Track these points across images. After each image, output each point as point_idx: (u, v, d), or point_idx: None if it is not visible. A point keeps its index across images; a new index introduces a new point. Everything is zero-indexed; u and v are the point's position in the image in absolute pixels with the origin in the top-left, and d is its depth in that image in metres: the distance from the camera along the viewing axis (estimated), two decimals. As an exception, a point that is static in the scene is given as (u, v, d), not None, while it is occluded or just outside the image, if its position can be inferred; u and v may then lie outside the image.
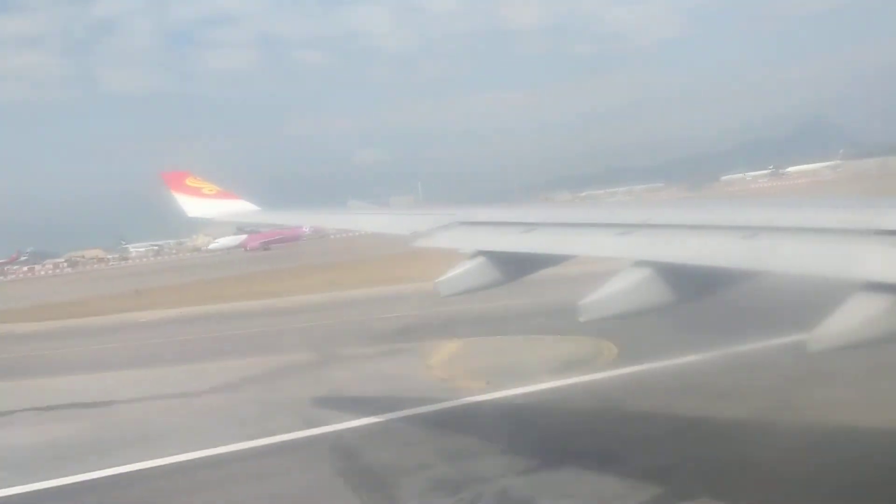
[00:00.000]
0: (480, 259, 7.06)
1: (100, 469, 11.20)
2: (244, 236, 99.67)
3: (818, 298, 4.49)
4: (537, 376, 13.84)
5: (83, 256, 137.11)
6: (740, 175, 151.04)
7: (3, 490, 10.64)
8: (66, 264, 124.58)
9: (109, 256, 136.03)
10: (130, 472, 11.03)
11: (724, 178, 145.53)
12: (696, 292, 5.76)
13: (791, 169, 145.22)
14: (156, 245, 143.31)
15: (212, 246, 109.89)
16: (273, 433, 12.05)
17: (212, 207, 11.40)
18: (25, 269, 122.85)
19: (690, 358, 13.34)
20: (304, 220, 12.49)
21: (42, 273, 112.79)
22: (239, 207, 11.49)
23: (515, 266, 7.12)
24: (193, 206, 11.37)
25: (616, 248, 6.12)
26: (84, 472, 11.17)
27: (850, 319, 4.34)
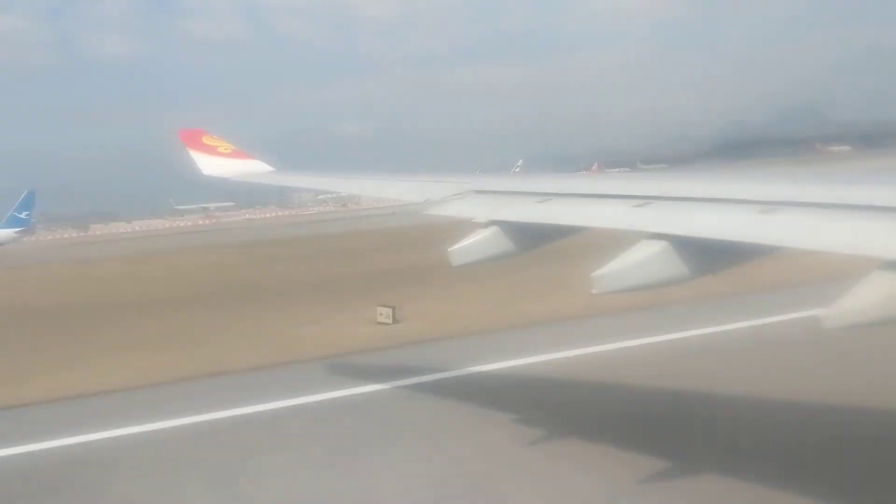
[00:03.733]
0: (494, 228, 7.03)
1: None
2: None
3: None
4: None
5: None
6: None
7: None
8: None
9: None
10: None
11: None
12: (711, 267, 5.73)
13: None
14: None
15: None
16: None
17: (227, 166, 11.37)
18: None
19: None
20: (317, 184, 12.41)
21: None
22: (254, 167, 11.45)
23: (530, 236, 7.09)
24: (209, 164, 11.34)
25: (632, 220, 6.07)
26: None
27: (867, 297, 4.30)
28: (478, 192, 8.04)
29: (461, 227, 7.32)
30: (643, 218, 6.03)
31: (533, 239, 7.14)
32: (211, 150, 11.35)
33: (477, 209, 7.60)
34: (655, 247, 5.60)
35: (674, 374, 11.35)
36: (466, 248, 7.09)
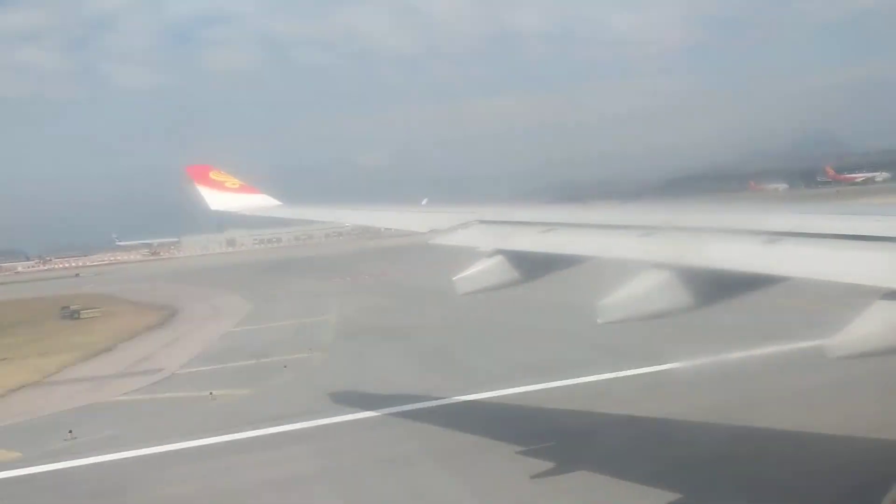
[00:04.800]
0: (499, 258, 7.04)
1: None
2: None
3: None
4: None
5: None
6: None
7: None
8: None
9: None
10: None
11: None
12: (715, 296, 5.70)
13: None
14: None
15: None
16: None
17: (234, 201, 11.45)
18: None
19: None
20: (324, 216, 12.47)
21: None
22: (260, 202, 11.52)
23: (534, 266, 7.08)
24: (216, 199, 11.41)
25: (636, 250, 6.06)
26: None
27: (870, 327, 4.29)
28: (482, 221, 8.06)
29: (467, 257, 7.35)
30: (647, 248, 6.01)
31: (537, 268, 7.14)
32: (218, 186, 11.43)
33: (481, 239, 7.61)
34: (660, 276, 5.58)
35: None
36: (471, 276, 7.10)
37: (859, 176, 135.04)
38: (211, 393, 16.48)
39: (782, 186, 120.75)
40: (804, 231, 5.26)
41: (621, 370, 14.22)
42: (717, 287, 5.61)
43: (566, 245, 6.86)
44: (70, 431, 13.77)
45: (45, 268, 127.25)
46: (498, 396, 13.51)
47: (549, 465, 9.61)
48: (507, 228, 7.82)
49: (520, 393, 13.50)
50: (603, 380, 13.86)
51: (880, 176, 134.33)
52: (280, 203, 11.63)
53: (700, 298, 5.59)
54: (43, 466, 12.23)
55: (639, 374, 13.91)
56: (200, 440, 12.77)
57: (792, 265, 5.09)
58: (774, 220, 5.87)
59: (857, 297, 4.39)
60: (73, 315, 35.41)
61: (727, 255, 5.42)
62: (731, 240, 5.57)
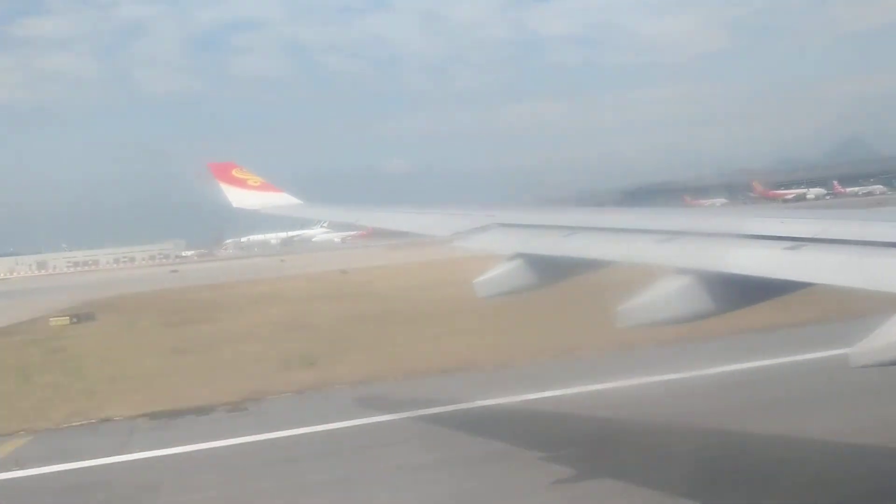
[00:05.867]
0: (519, 261, 7.04)
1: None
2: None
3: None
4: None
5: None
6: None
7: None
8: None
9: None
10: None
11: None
12: (737, 302, 5.68)
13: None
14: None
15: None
16: None
17: (256, 199, 11.54)
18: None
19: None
20: (345, 217, 12.51)
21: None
22: (282, 200, 11.60)
23: (554, 270, 7.08)
24: (238, 196, 11.52)
25: (658, 255, 6.05)
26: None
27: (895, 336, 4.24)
28: (503, 224, 8.05)
29: (487, 260, 7.35)
30: (670, 252, 6.00)
31: (558, 272, 7.13)
32: (240, 183, 11.52)
33: (502, 242, 7.61)
34: (682, 281, 5.57)
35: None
36: (491, 280, 7.10)
37: (789, 193, 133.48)
38: None
39: (720, 202, 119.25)
40: (827, 237, 5.22)
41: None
42: (739, 293, 5.59)
43: (588, 249, 6.85)
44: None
45: None
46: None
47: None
48: (528, 231, 7.81)
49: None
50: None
51: (811, 193, 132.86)
52: (301, 202, 11.70)
53: (721, 304, 5.57)
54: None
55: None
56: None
57: (815, 271, 5.05)
58: (796, 225, 5.84)
59: (885, 304, 4.35)
60: None
61: (749, 260, 5.39)
62: (753, 245, 5.54)
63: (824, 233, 5.31)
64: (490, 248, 7.66)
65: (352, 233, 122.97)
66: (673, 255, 5.91)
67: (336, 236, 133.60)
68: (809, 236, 5.31)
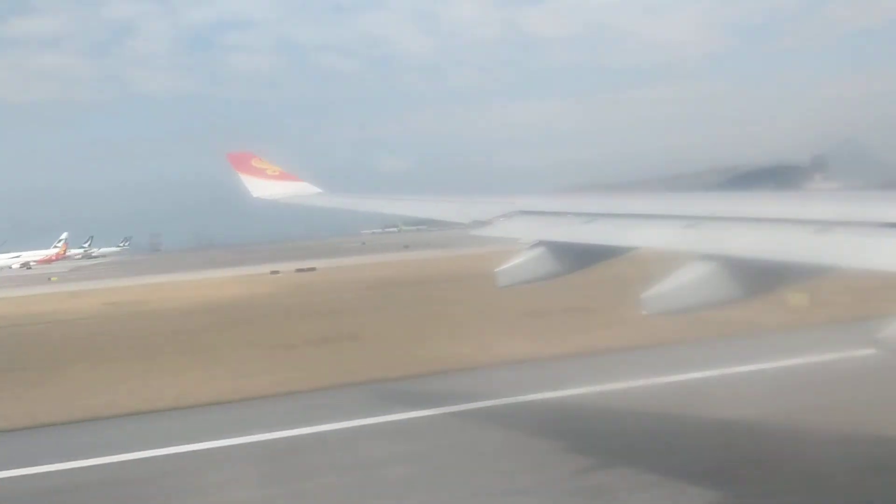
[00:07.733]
0: (541, 249, 6.97)
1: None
2: None
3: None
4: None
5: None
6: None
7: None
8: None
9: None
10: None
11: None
12: (763, 287, 5.60)
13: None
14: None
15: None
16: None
17: (276, 188, 11.45)
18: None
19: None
20: (365, 206, 12.43)
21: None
22: (301, 189, 11.53)
23: (576, 257, 7.00)
24: (258, 186, 11.43)
25: (681, 240, 5.96)
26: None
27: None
28: (524, 212, 7.97)
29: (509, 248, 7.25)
30: (693, 238, 5.91)
31: (580, 260, 7.06)
32: (259, 173, 11.44)
33: (524, 229, 7.54)
34: (706, 267, 5.49)
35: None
36: (513, 268, 7.04)
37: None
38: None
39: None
40: (853, 220, 5.13)
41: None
42: (764, 278, 5.51)
43: (609, 235, 6.77)
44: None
45: None
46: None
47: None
48: (549, 219, 7.71)
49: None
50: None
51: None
52: (321, 191, 11.61)
53: (746, 290, 5.49)
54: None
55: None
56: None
57: (842, 254, 4.96)
58: (821, 207, 5.73)
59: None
60: None
61: (774, 244, 5.30)
62: (778, 229, 5.45)
63: (851, 216, 5.21)
64: (512, 235, 7.59)
65: (37, 258, 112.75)
66: (696, 241, 5.82)
67: (14, 262, 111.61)
68: (835, 220, 5.21)
